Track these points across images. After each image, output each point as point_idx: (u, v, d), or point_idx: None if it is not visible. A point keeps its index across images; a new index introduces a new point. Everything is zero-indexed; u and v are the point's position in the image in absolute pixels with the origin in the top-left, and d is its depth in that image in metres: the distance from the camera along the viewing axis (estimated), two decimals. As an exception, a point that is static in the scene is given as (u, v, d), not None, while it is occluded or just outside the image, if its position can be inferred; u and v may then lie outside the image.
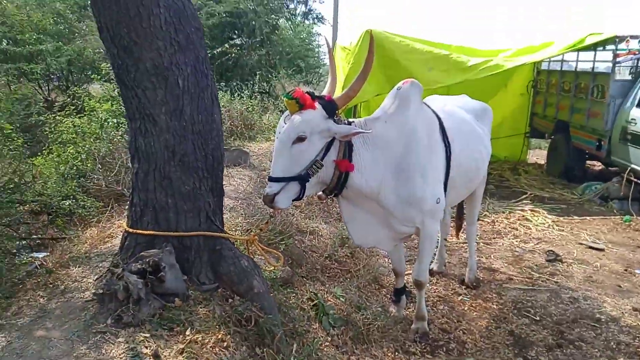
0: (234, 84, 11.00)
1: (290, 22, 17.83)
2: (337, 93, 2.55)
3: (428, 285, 3.64)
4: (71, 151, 4.72)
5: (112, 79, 6.39)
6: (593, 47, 6.31)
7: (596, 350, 3.00)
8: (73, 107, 6.05)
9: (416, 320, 3.18)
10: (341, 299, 3.21)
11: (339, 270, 3.76)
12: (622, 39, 5.89)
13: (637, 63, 6.18)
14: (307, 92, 2.32)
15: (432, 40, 6.24)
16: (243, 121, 7.81)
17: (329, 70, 2.76)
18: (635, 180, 5.73)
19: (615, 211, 5.84)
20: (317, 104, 2.30)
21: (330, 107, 2.34)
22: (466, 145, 3.05)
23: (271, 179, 2.30)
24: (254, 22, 12.20)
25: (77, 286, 2.62)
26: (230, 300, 2.51)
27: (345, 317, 3.05)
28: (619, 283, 3.97)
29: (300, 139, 2.26)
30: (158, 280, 2.26)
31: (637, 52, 6.08)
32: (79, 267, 2.90)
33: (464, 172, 3.08)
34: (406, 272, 3.52)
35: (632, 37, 5.88)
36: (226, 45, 11.49)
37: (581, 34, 5.96)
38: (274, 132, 8.53)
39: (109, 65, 6.76)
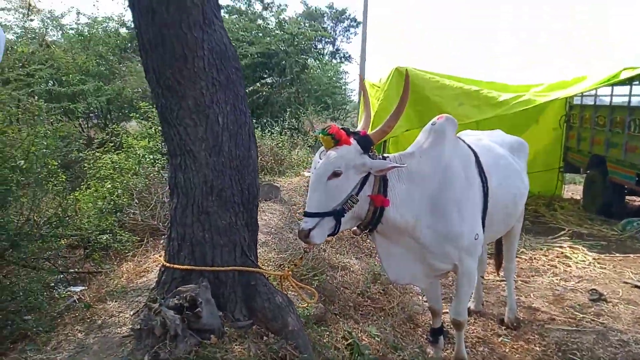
0: (265, 120, 11.29)
1: (318, 62, 18.31)
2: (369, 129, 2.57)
3: (466, 325, 3.51)
4: (108, 186, 4.88)
5: (150, 117, 6.67)
6: (629, 81, 6.20)
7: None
8: (112, 144, 6.29)
9: (455, 363, 3.06)
10: (376, 338, 3.13)
11: (372, 308, 3.68)
12: (658, 73, 5.78)
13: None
14: (342, 128, 2.35)
15: (458, 76, 6.29)
16: (273, 157, 7.96)
17: (363, 106, 2.80)
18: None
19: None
20: (352, 140, 2.32)
21: (365, 143, 2.35)
22: (503, 180, 3.00)
23: (307, 214, 2.30)
24: (284, 62, 12.62)
25: (114, 321, 2.65)
26: (265, 337, 2.48)
27: (381, 357, 2.96)
28: (670, 326, 3.73)
29: (336, 174, 2.27)
30: (195, 316, 2.26)
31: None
32: (115, 301, 2.94)
33: (502, 208, 3.01)
34: (443, 311, 3.42)
35: (670, 70, 5.76)
36: (257, 84, 11.89)
37: (615, 69, 5.87)
38: (303, 167, 8.65)
39: (147, 104, 7.07)
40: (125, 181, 4.97)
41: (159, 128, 6.65)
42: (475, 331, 3.73)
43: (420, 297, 4.19)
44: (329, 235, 2.36)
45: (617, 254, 5.41)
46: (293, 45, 12.87)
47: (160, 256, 3.81)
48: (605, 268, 4.99)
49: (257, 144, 2.74)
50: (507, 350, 3.46)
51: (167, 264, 2.59)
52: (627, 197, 7.38)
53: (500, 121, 6.13)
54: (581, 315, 3.91)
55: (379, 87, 6.53)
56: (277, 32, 13.29)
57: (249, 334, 2.49)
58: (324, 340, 2.87)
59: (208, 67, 2.23)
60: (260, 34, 13.24)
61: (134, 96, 10.01)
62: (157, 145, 6.37)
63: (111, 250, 4.22)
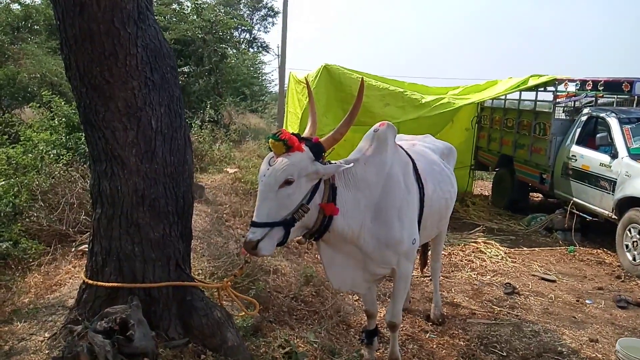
0: (184, 116, 10.70)
1: (236, 51, 17.82)
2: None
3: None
4: (2, 183, 4.29)
5: (53, 108, 6.00)
6: (535, 88, 6.77)
7: (563, 385, 3.07)
8: (6, 137, 5.57)
9: (389, 363, 3.12)
10: (314, 344, 3.08)
11: (307, 312, 3.64)
12: (561, 81, 6.39)
13: (574, 104, 6.70)
14: (293, 134, 2.25)
15: (383, 76, 6.45)
16: (194, 152, 7.56)
17: (309, 112, 2.71)
18: (577, 212, 6.12)
19: (560, 242, 6.17)
20: (304, 146, 2.24)
21: (318, 149, 2.28)
22: (437, 185, 3.10)
23: (255, 224, 2.18)
24: (201, 50, 12.06)
25: (25, 346, 2.33)
26: (202, 356, 2.33)
27: (319, 364, 2.93)
28: (573, 314, 4.14)
29: (288, 182, 2.17)
30: (126, 339, 2.05)
31: (574, 94, 6.61)
32: (25, 321, 2.59)
33: (436, 212, 3.11)
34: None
35: (570, 80, 6.40)
36: (178, 78, 11.22)
37: (524, 75, 6.38)
38: (226, 163, 8.33)
39: (49, 92, 6.35)
40: (26, 180, 4.41)
41: (63, 120, 6.03)
42: (404, 328, 3.84)
43: (351, 297, 4.24)
44: (277, 246, 2.26)
45: (525, 248, 5.92)
46: (211, 33, 12.35)
47: (74, 267, 3.46)
48: (515, 262, 5.43)
49: (192, 148, 2.55)
50: (434, 346, 3.61)
51: (89, 281, 2.33)
52: (531, 194, 8.13)
53: (419, 122, 6.41)
54: (498, 309, 4.20)
55: (305, 84, 6.48)
56: (193, 18, 12.67)
57: (185, 353, 2.32)
58: (261, 351, 2.77)
59: (141, 65, 2.01)
60: (175, 19, 12.55)
61: (30, 82, 8.96)
62: (61, 138, 5.76)
63: (10, 259, 3.72)
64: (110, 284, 2.27)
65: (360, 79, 5.92)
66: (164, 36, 2.14)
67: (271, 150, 2.29)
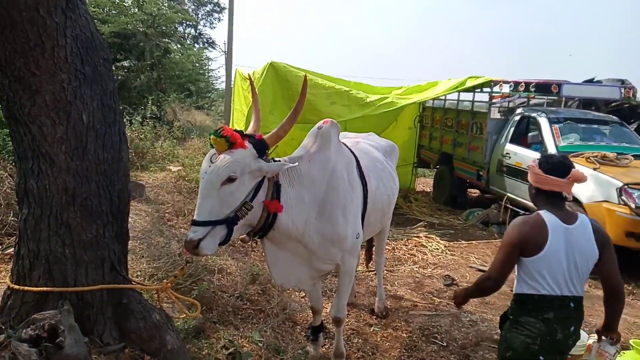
0: (121, 108, 10.27)
1: (180, 46, 17.33)
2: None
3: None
4: None
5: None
6: (472, 89, 7.08)
7: (498, 371, 3.23)
8: None
9: (334, 358, 3.15)
10: (258, 343, 3.06)
11: (252, 311, 3.60)
12: (496, 82, 6.72)
13: (508, 104, 7.07)
14: (235, 130, 2.22)
15: (329, 75, 6.51)
16: (134, 149, 7.28)
17: (253, 109, 2.68)
18: (511, 207, 6.46)
19: (495, 235, 6.50)
20: (247, 143, 2.21)
21: (261, 146, 2.26)
22: (380, 182, 3.16)
23: (196, 223, 2.13)
24: (142, 44, 11.62)
25: (-61, 360, 2.14)
26: (140, 360, 2.25)
27: (264, 363, 2.91)
28: (508, 303, 4.34)
29: (231, 180, 2.14)
30: (56, 346, 1.93)
31: (508, 95, 6.97)
32: (-60, 333, 2.38)
33: (379, 208, 3.18)
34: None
35: (504, 82, 6.75)
36: (112, 67, 10.74)
37: (462, 77, 6.65)
38: (169, 161, 8.08)
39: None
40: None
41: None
42: (349, 323, 3.89)
43: (297, 294, 4.25)
44: (219, 245, 2.22)
45: (463, 241, 6.17)
46: (153, 27, 11.92)
47: (0, 272, 3.23)
48: (454, 254, 5.65)
49: (128, 145, 2.45)
50: (378, 339, 3.69)
51: (15, 286, 2.19)
52: (469, 190, 8.49)
53: (365, 120, 6.52)
54: (438, 300, 4.35)
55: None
56: (134, 11, 12.18)
57: (121, 359, 2.23)
58: (204, 353, 2.72)
59: (71, 57, 1.91)
60: (115, 12, 12.00)
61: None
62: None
63: None
64: (39, 289, 2.14)
65: (309, 79, 5.96)
66: (96, 27, 2.04)
67: (213, 147, 2.25)
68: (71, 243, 2.17)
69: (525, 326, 2.10)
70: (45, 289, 2.15)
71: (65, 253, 2.17)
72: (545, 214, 2.08)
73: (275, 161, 2.39)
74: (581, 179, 2.10)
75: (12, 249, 3.49)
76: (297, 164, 2.42)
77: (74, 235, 2.16)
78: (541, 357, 2.09)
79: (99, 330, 2.26)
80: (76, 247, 2.18)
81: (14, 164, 4.59)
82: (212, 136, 2.18)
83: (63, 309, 2.07)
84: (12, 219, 3.87)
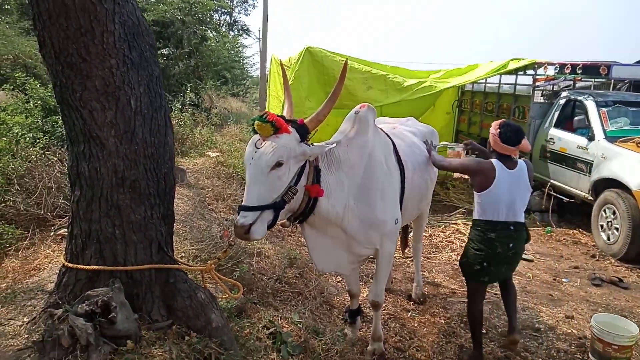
0: (164, 97, 10.49)
1: (216, 33, 17.53)
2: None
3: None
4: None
5: (27, 90, 5.84)
6: (515, 71, 6.83)
7: (540, 359, 3.17)
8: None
9: (372, 342, 3.17)
10: (297, 325, 3.11)
11: (290, 293, 3.67)
12: (540, 65, 6.45)
13: (553, 87, 6.79)
14: (279, 116, 2.23)
15: (365, 59, 6.43)
16: (175, 136, 7.44)
17: (285, 94, 2.68)
18: (554, 194, 6.25)
19: (537, 223, 6.31)
20: (290, 128, 2.22)
21: (303, 131, 2.28)
22: (418, 167, 3.13)
23: (246, 208, 2.15)
24: (180, 32, 11.81)
25: (3, 330, 2.30)
26: (186, 337, 2.32)
27: (303, 344, 2.95)
28: (550, 292, 4.26)
29: (279, 164, 2.16)
30: (108, 322, 2.03)
31: (553, 78, 6.69)
32: (2, 306, 2.55)
33: (417, 193, 3.15)
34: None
35: (549, 64, 6.47)
36: (157, 57, 10.98)
37: (504, 59, 6.43)
38: (207, 147, 8.23)
39: (23, 74, 6.16)
40: (0, 164, 4.30)
41: (38, 102, 5.88)
42: (386, 308, 3.90)
43: (334, 278, 4.28)
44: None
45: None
46: (190, 14, 12.08)
47: (53, 251, 3.40)
48: (494, 242, 5.52)
49: (173, 129, 2.52)
50: (416, 324, 3.68)
51: (70, 264, 2.30)
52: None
53: (401, 105, 6.42)
54: (478, 288, 4.28)
55: (288, 67, 6.41)
56: (172, -1, 12.36)
57: (168, 335, 2.31)
58: (246, 332, 2.79)
59: (119, 43, 1.96)
60: (154, 0, 12.22)
61: (2, 64, 8.68)
62: (37, 122, 5.62)
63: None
64: (91, 267, 2.24)
65: (344, 61, 5.92)
66: (142, 13, 2.08)
67: (256, 133, 2.27)
68: (121, 224, 2.25)
69: (476, 242, 2.94)
70: (97, 267, 2.25)
71: (116, 233, 2.26)
72: (495, 162, 2.87)
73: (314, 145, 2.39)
74: (526, 148, 2.96)
75: (63, 230, 3.67)
76: (335, 145, 2.42)
77: (123, 216, 2.25)
78: (485, 264, 2.91)
79: (147, 307, 2.35)
80: (125, 227, 2.26)
81: (63, 148, 4.81)
82: (257, 122, 2.18)
83: (114, 286, 2.17)
84: (63, 201, 4.06)
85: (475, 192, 2.93)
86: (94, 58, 1.91)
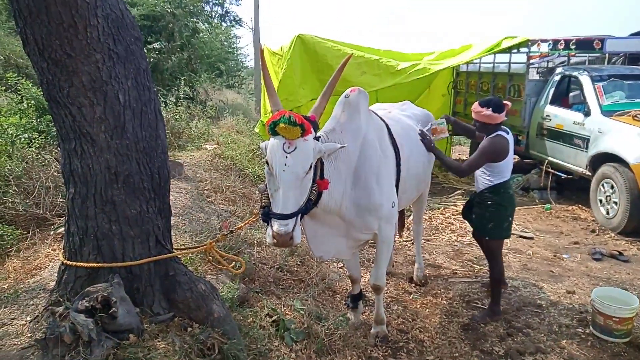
0: (155, 89, 10.43)
1: (208, 25, 17.36)
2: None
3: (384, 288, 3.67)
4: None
5: (20, 91, 5.80)
6: (508, 50, 6.78)
7: (542, 335, 3.20)
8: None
9: (375, 325, 3.20)
10: (300, 311, 3.13)
11: (293, 281, 3.68)
12: (533, 42, 6.40)
13: (547, 64, 6.74)
14: (302, 116, 2.14)
15: (358, 44, 6.38)
16: (170, 130, 7.43)
17: (268, 92, 2.53)
18: (552, 171, 6.25)
19: (536, 200, 6.32)
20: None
21: (316, 127, 2.24)
22: (414, 150, 3.12)
23: (286, 217, 2.10)
24: (171, 26, 11.70)
25: (7, 330, 2.32)
26: (189, 328, 2.35)
27: (306, 330, 2.97)
28: (551, 269, 4.28)
29: (311, 167, 2.15)
30: (110, 317, 2.04)
31: (547, 54, 6.64)
32: (5, 306, 2.56)
33: (413, 176, 3.14)
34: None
35: (543, 40, 6.42)
36: (144, 49, 10.90)
37: (497, 38, 6.38)
38: (204, 140, 8.18)
39: (14, 74, 6.12)
40: (-4, 165, 4.29)
41: (32, 103, 5.85)
42: (388, 291, 3.92)
43: (336, 265, 4.30)
44: None
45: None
46: (181, 7, 11.96)
47: (53, 250, 3.41)
48: (494, 222, 5.53)
49: (165, 122, 2.50)
50: (418, 306, 3.70)
51: (68, 262, 2.31)
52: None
53: (397, 89, 6.39)
54: (478, 267, 4.31)
55: (280, 56, 6.37)
56: (161, -9, 12.21)
57: (171, 328, 2.34)
58: (249, 321, 2.81)
59: (103, 37, 1.94)
60: (142, -6, 12.08)
61: (-7, 65, 8.62)
62: (32, 122, 5.59)
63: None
64: (89, 264, 2.25)
65: (338, 49, 5.84)
66: (125, 6, 2.06)
67: (275, 135, 2.14)
68: (117, 219, 2.26)
69: (504, 203, 3.26)
70: (95, 265, 2.26)
71: (112, 229, 2.26)
72: (503, 133, 3.26)
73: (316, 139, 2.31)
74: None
75: (63, 228, 3.68)
76: (346, 145, 2.37)
77: (119, 211, 2.25)
78: (510, 218, 3.34)
79: (148, 301, 2.36)
80: (122, 223, 2.27)
81: (59, 147, 4.80)
82: (282, 124, 2.06)
83: (114, 282, 2.18)
84: (61, 200, 4.05)
85: (492, 164, 3.19)
86: (78, 53, 1.89)
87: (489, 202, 3.27)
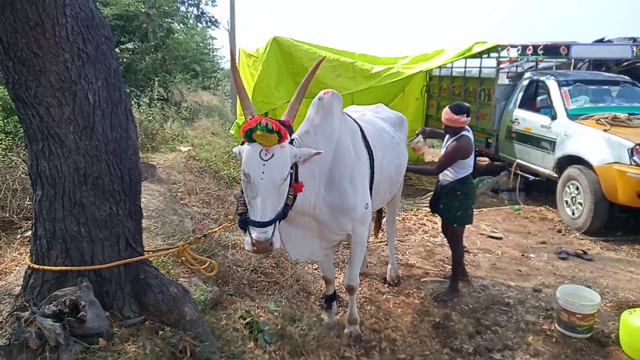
0: (127, 90, 10.25)
1: (184, 25, 17.16)
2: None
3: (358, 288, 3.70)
4: None
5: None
6: (479, 55, 6.95)
7: (510, 332, 3.28)
8: None
9: (348, 325, 3.22)
10: (274, 313, 3.13)
11: (267, 283, 3.68)
12: (503, 47, 6.58)
13: (516, 69, 6.93)
14: (277, 120, 2.11)
15: (333, 47, 6.43)
16: (143, 131, 7.33)
17: (239, 96, 2.49)
18: (521, 173, 6.42)
19: (505, 202, 6.49)
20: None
21: (291, 132, 2.22)
22: (387, 152, 3.16)
23: (264, 224, 2.07)
24: (145, 26, 11.53)
25: (-31, 338, 2.24)
26: (160, 332, 2.32)
27: (280, 331, 2.98)
28: (519, 268, 4.40)
29: (289, 174, 2.13)
30: (78, 321, 2.01)
31: (516, 60, 6.84)
32: (-32, 313, 2.48)
33: (387, 178, 3.19)
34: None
35: (512, 46, 6.61)
36: (117, 49, 10.71)
37: (469, 43, 6.53)
38: (179, 142, 8.10)
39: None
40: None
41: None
42: (362, 291, 3.96)
43: (310, 266, 4.31)
44: None
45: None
46: (155, 7, 11.80)
47: (20, 254, 3.33)
48: (465, 222, 5.66)
49: (135, 123, 2.48)
50: (391, 305, 3.75)
51: (35, 266, 2.26)
52: (478, 159, 8.43)
53: (372, 92, 6.46)
54: (449, 267, 4.38)
55: (256, 57, 6.37)
56: (135, -9, 12.03)
57: (142, 331, 2.31)
58: (222, 323, 2.80)
59: (72, 36, 1.92)
60: (115, -7, 11.88)
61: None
62: (-2, 123, 5.44)
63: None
64: (58, 268, 2.21)
65: (313, 52, 5.87)
66: (95, 5, 2.04)
67: (250, 142, 2.09)
68: (86, 222, 2.23)
69: (470, 192, 3.71)
70: (63, 268, 2.22)
71: (81, 232, 2.23)
72: (467, 133, 3.62)
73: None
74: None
75: (30, 232, 3.59)
76: (322, 152, 2.35)
77: (88, 214, 2.22)
78: (472, 206, 3.76)
79: (118, 304, 2.34)
80: (91, 225, 2.24)
81: (26, 149, 4.68)
82: (258, 131, 2.01)
83: (82, 285, 2.15)
84: (29, 203, 3.95)
85: (461, 160, 3.57)
86: (46, 52, 1.86)
87: (458, 193, 3.65)
